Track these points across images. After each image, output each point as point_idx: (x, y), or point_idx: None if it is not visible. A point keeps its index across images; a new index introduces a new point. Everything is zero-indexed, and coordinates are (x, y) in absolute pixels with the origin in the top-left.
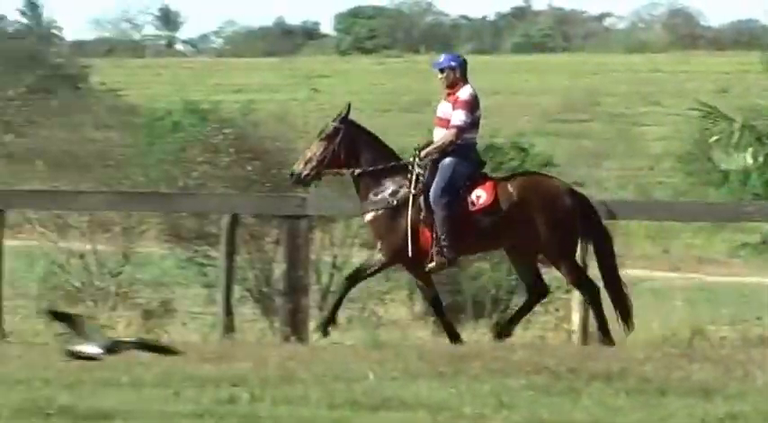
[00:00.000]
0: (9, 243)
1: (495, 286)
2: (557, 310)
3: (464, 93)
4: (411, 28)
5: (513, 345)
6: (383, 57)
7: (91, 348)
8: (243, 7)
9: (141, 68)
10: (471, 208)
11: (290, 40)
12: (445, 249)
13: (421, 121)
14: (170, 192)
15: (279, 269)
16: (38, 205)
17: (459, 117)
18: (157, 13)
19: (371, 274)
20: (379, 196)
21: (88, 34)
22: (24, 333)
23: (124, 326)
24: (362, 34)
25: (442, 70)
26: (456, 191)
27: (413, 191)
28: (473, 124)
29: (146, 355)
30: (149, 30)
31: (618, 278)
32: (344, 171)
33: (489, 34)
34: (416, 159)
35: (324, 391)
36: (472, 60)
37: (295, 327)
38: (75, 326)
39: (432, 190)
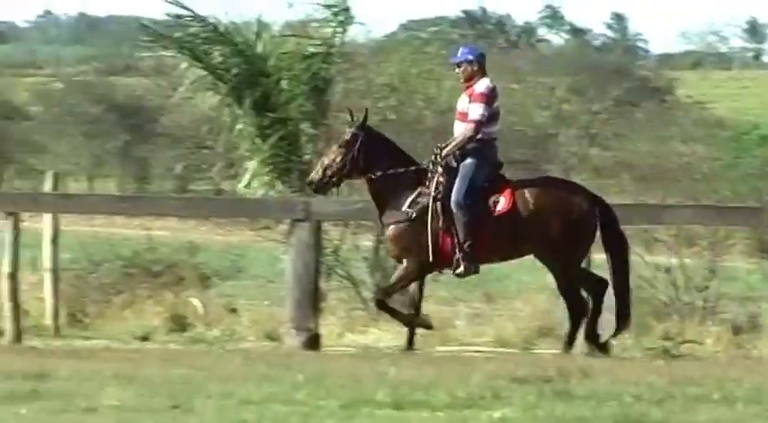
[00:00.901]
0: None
1: None
2: None
3: (480, 86)
4: None
5: None
6: None
7: None
8: None
9: (728, 81)
10: (490, 212)
11: None
12: (470, 254)
13: None
14: (758, 206)
15: None
16: (625, 219)
17: (476, 111)
18: (745, 26)
19: (400, 289)
20: (400, 205)
21: (675, 47)
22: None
23: (713, 341)
24: None
25: (458, 64)
26: (477, 194)
27: (433, 195)
28: (492, 117)
29: None
30: (737, 42)
31: (628, 287)
32: (369, 176)
33: None
34: (437, 159)
35: None
36: None
37: None
38: None
39: (453, 194)
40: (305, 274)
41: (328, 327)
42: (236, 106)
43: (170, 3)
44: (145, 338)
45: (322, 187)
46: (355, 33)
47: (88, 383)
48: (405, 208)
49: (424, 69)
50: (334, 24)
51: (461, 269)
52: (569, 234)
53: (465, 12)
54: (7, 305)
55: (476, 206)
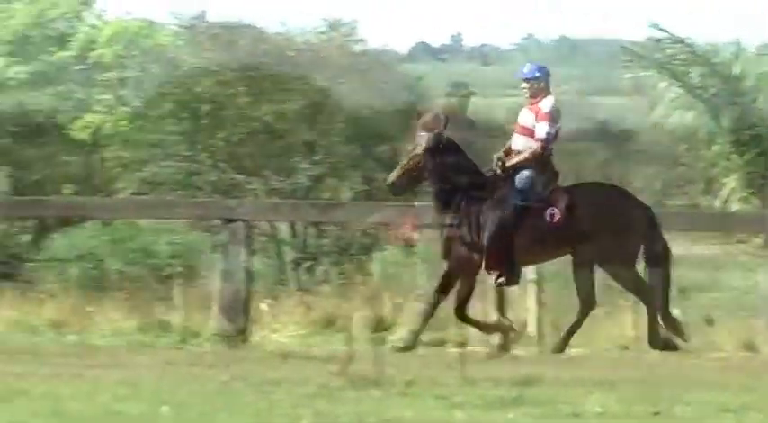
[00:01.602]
0: None
1: None
2: None
3: (546, 104)
4: None
5: None
6: None
7: None
8: None
9: None
10: (543, 223)
11: None
12: (514, 265)
13: None
14: None
15: None
16: None
17: (543, 129)
18: None
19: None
20: (460, 210)
21: None
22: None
23: None
24: None
25: (527, 80)
26: (529, 206)
27: (491, 204)
28: (555, 136)
29: None
30: None
31: (668, 293)
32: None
33: None
34: (498, 171)
35: None
36: None
37: None
38: None
39: (507, 205)
40: None
41: None
42: (713, 124)
43: (652, 27)
44: (624, 347)
45: (402, 189)
46: None
47: (572, 390)
48: (464, 214)
49: None
50: None
51: (503, 279)
52: (617, 240)
53: None
54: (495, 315)
55: (528, 217)
